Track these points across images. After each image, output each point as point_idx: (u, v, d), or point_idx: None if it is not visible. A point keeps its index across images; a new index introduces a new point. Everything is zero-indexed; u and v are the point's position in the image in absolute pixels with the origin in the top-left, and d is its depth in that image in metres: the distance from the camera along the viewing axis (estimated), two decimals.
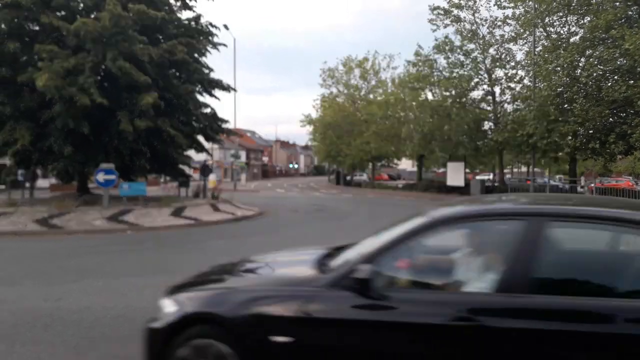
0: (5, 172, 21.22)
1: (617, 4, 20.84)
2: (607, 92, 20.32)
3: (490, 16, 30.92)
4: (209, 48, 19.97)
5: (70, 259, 9.24)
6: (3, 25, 15.92)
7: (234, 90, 22.15)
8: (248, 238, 12.34)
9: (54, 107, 15.03)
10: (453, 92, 30.48)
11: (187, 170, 22.70)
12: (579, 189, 26.30)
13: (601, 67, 21.28)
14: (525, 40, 28.79)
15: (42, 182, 30.45)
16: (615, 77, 20.94)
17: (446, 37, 30.56)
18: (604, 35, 20.93)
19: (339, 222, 16.34)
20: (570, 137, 22.67)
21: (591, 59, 22.23)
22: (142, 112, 15.62)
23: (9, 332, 4.82)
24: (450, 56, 30.81)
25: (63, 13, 16.87)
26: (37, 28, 16.81)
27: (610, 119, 22.18)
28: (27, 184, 22.28)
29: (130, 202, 16.12)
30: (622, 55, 19.65)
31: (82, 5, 16.98)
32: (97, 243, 11.41)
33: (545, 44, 25.62)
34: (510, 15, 28.59)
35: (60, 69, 14.52)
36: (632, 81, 19.89)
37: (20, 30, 16.39)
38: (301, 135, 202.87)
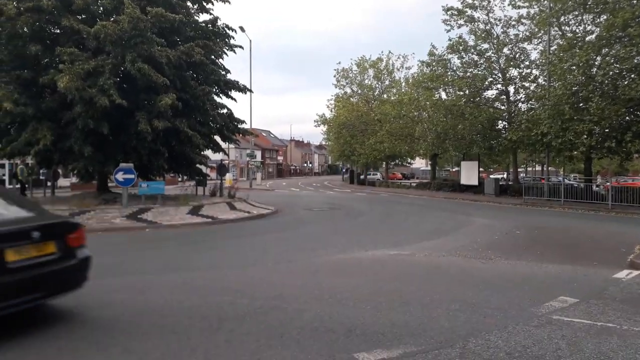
0: (26, 170, 21.46)
1: (635, 1, 20.45)
2: (624, 91, 19.97)
3: (505, 16, 30.82)
4: (225, 50, 20.00)
5: None
6: (25, 29, 16.11)
7: (250, 91, 22.17)
8: (263, 235, 12.34)
9: (74, 108, 15.18)
10: (467, 92, 30.22)
11: (204, 169, 22.79)
12: (594, 187, 25.86)
13: (617, 65, 20.91)
14: (539, 40, 28.45)
15: (63, 181, 30.86)
16: (632, 75, 20.57)
17: (460, 37, 30.35)
18: (620, 33, 20.58)
19: (353, 220, 16.29)
20: (585, 136, 22.28)
21: (607, 58, 21.86)
22: (160, 113, 15.70)
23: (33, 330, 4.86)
24: (464, 56, 30.57)
25: (83, 16, 17.02)
26: (58, 31, 16.99)
27: (627, 118, 21.79)
28: (49, 183, 22.63)
29: (149, 200, 16.25)
30: (639, 53, 19.30)
31: (101, 8, 17.11)
32: (116, 241, 11.50)
33: (561, 42, 25.25)
34: (524, 15, 28.32)
35: (80, 71, 14.65)
36: None
37: (41, 34, 16.59)
38: (315, 134, 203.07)
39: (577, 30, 25.10)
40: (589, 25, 24.73)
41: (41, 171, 22.08)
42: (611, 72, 20.96)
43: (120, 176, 15.16)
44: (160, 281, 6.98)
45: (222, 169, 22.50)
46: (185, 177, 24.14)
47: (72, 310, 5.44)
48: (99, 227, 13.38)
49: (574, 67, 22.12)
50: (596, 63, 22.46)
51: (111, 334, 4.67)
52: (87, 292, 6.37)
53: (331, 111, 52.79)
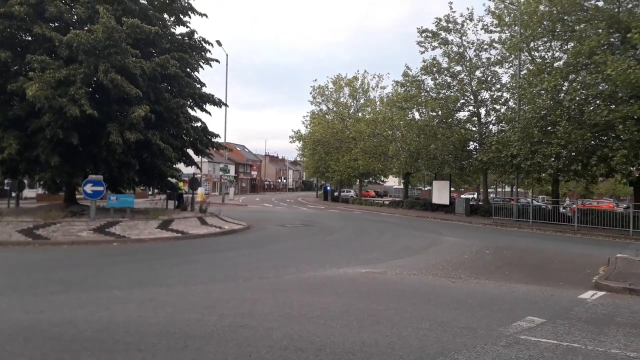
0: None
1: (600, 30, 21.30)
2: (590, 116, 20.64)
3: (477, 39, 31.70)
4: (201, 63, 19.97)
5: (54, 271, 9.05)
6: None
7: (225, 105, 22.11)
8: (234, 251, 12.20)
9: (43, 117, 14.85)
10: (440, 113, 30.81)
11: (176, 183, 22.51)
12: (561, 209, 26.54)
13: (584, 91, 21.66)
14: (510, 64, 29.33)
15: (28, 192, 30.01)
16: (598, 101, 21.30)
17: (434, 58, 31.02)
18: (587, 60, 21.36)
19: (326, 237, 16.25)
20: (553, 159, 22.93)
21: (574, 84, 22.64)
22: (132, 125, 15.50)
23: None
24: (437, 77, 31.21)
25: (56, 24, 16.77)
26: (29, 38, 16.67)
27: (592, 142, 22.51)
28: (14, 194, 21.96)
29: (118, 214, 15.92)
30: (604, 80, 20.03)
31: (75, 17, 16.90)
32: (82, 255, 11.20)
33: (530, 67, 26.05)
34: (496, 39, 29.24)
35: (51, 79, 14.38)
36: (613, 106, 20.28)
37: (12, 40, 16.24)
38: (290, 150, 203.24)
39: (546, 56, 25.95)
40: (557, 51, 25.61)
41: (6, 181, 21.43)
42: (578, 98, 21.67)
43: (88, 188, 14.84)
44: (126, 297, 6.81)
45: (194, 183, 22.26)
46: (156, 191, 23.78)
47: (32, 326, 5.25)
48: (65, 240, 13.03)
49: (543, 92, 22.82)
50: (564, 88, 23.23)
51: (73, 351, 4.51)
52: (50, 307, 6.17)
53: (307, 127, 53.05)
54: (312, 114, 52.02)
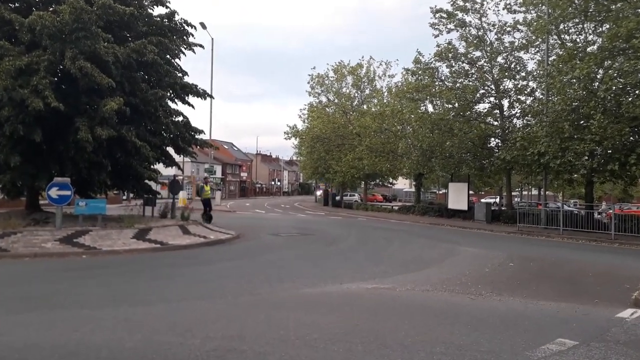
0: None
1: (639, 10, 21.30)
2: (628, 108, 20.65)
3: (499, 21, 31.55)
4: (183, 49, 19.97)
5: (15, 287, 9.04)
6: None
7: (210, 96, 22.12)
8: (222, 264, 12.21)
9: (1, 111, 14.84)
10: (456, 105, 30.85)
11: (154, 186, 22.51)
12: (596, 215, 26.53)
13: (621, 80, 21.66)
14: (537, 49, 29.37)
15: None
16: (637, 91, 21.31)
17: (449, 43, 31.06)
18: (624, 45, 21.34)
19: (326, 247, 16.26)
20: (586, 157, 22.95)
21: (610, 71, 22.64)
22: (104, 119, 15.49)
23: None
24: (453, 64, 31.26)
25: (16, 5, 16.79)
26: None
27: (631, 138, 22.52)
28: None
29: (87, 222, 15.91)
30: None
31: None
32: (47, 269, 11.20)
33: (560, 53, 26.10)
34: (520, 21, 29.21)
35: (10, 68, 14.37)
36: None
37: None
38: (285, 148, 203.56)
39: (578, 40, 25.99)
40: (590, 34, 25.65)
41: None
42: (614, 87, 21.68)
43: (54, 192, 14.83)
44: (98, 316, 6.81)
45: (175, 186, 22.26)
46: (131, 195, 23.77)
47: None
48: (27, 252, 13.02)
49: (574, 81, 22.84)
50: (598, 77, 23.27)
51: None
52: (10, 328, 6.17)
53: (304, 122, 53.15)
54: (310, 107, 52.10)
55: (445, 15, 30.51)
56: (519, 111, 30.53)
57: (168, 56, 19.31)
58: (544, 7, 26.02)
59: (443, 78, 32.04)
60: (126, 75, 17.01)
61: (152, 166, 20.36)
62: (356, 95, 50.72)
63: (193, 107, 21.08)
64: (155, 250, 14.49)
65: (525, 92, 29.98)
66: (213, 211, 23.77)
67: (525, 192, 64.88)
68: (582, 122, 22.92)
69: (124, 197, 44.19)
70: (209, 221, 22.47)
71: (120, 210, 22.05)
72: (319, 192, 54.87)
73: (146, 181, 20.55)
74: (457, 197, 33.00)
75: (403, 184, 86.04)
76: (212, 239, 17.22)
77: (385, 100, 45.66)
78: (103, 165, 16.93)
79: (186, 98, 20.42)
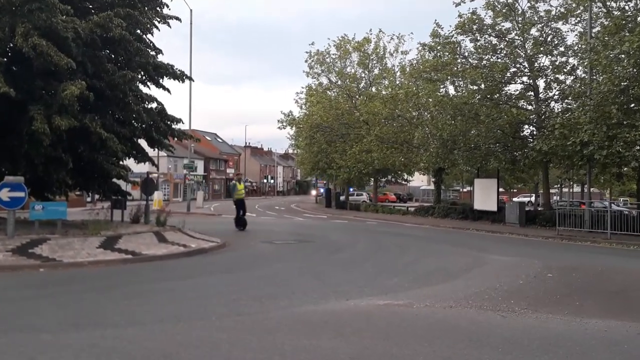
0: None
1: None
2: None
3: None
4: (156, 22, 19.95)
5: None
6: None
7: (190, 78, 22.09)
8: (205, 278, 12.20)
9: None
10: (482, 86, 30.80)
11: (124, 186, 22.49)
12: None
13: None
14: (578, 19, 29.30)
15: None
16: None
17: (473, 12, 30.98)
18: None
19: (329, 257, 16.26)
20: (638, 147, 22.89)
21: None
22: (63, 107, 15.47)
23: None
24: (478, 38, 31.21)
25: None
26: None
27: None
28: None
29: (45, 228, 15.88)
30: None
31: None
32: None
33: (605, 23, 26.03)
34: None
35: None
36: None
37: None
38: (280, 139, 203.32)
39: (627, 8, 25.91)
40: None
41: None
42: None
43: (4, 194, 14.79)
44: (59, 342, 6.79)
45: (148, 186, 22.25)
46: (96, 197, 23.74)
47: None
48: None
49: (623, 56, 22.79)
50: None
51: None
52: None
53: (301, 108, 53.22)
54: (308, 90, 52.11)
55: None
56: (557, 93, 30.46)
57: (138, 31, 19.29)
58: None
59: (466, 54, 31.99)
60: (89, 54, 16.98)
61: (121, 162, 20.35)
62: (363, 75, 50.69)
63: (169, 91, 21.07)
64: (125, 262, 14.46)
65: (565, 70, 29.93)
66: (193, 215, 23.79)
67: (565, 190, 64.84)
68: (632, 105, 22.88)
69: (89, 199, 44.21)
70: (243, 227, 22.91)
71: (84, 214, 22.01)
72: (314, 192, 54.98)
73: (114, 180, 20.52)
74: (485, 195, 32.97)
75: (420, 181, 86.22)
76: (194, 247, 17.19)
77: (397, 82, 45.68)
78: (63, 161, 16.90)
79: (161, 81, 20.38)
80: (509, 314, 8.88)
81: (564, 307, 9.50)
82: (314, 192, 61.62)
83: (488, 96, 30.54)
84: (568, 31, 41.63)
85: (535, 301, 10.00)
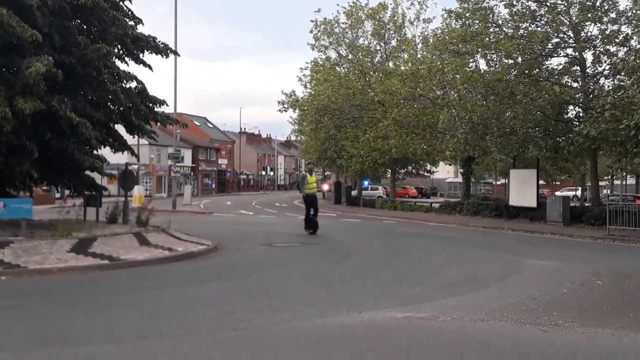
0: None
1: None
2: None
3: None
4: None
5: None
6: None
7: (175, 53, 22.10)
8: (194, 287, 12.21)
9: None
10: (519, 60, 30.64)
11: (99, 179, 22.54)
12: None
13: None
14: None
15: None
16: None
17: None
18: None
19: (339, 262, 16.29)
20: None
21: None
22: (27, 87, 15.50)
23: None
24: (514, 3, 31.01)
25: None
26: None
27: None
28: None
29: (7, 229, 15.94)
30: None
31: None
32: None
33: None
34: None
35: None
36: None
37: None
38: (280, 124, 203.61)
39: None
40: None
41: None
42: None
43: None
44: None
45: (128, 179, 22.28)
46: (67, 192, 23.79)
47: None
48: None
49: None
50: None
51: None
52: None
53: (305, 87, 53.16)
54: (314, 65, 51.96)
55: None
56: (607, 68, 30.29)
57: None
58: None
59: (500, 22, 31.82)
60: (57, 24, 17.00)
61: (95, 152, 20.36)
62: (378, 48, 50.48)
63: (151, 68, 21.08)
64: (102, 268, 14.48)
65: (617, 40, 29.72)
66: (180, 213, 23.80)
67: (617, 182, 64.57)
68: None
69: (58, 195, 44.39)
70: (314, 231, 22.48)
71: (52, 213, 22.09)
72: (326, 186, 54.89)
73: (88, 172, 20.57)
74: (522, 189, 32.87)
75: (446, 173, 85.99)
76: (180, 251, 17.20)
77: (419, 55, 45.46)
78: (27, 150, 16.94)
79: (141, 56, 20.39)
80: (551, 328, 8.86)
81: (616, 320, 9.47)
82: (325, 187, 61.48)
83: (526, 72, 30.38)
84: None
85: (581, 313, 9.97)
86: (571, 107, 31.69)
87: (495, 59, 32.83)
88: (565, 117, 31.48)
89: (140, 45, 20.09)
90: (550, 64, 31.62)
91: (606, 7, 30.05)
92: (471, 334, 8.47)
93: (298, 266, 15.46)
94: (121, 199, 21.93)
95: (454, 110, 35.76)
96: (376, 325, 8.92)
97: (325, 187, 67.71)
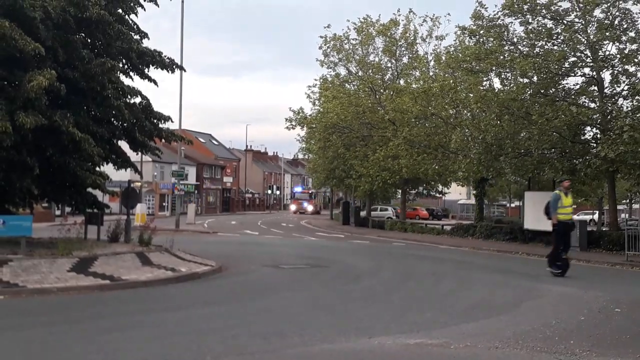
0: None
1: None
2: None
3: None
4: (141, 0, 20.07)
5: None
6: None
7: (180, 68, 22.22)
8: (198, 310, 12.18)
9: None
10: (535, 78, 30.65)
11: (101, 197, 22.58)
12: None
13: None
14: None
15: None
16: None
17: None
18: None
19: (349, 285, 16.28)
20: None
21: None
22: (29, 101, 15.57)
23: None
24: (530, 20, 31.09)
25: None
26: None
27: None
28: None
29: (6, 247, 15.96)
30: None
31: None
32: None
33: None
34: None
35: None
36: None
37: None
38: (288, 142, 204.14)
39: None
40: None
41: None
42: None
43: None
44: None
45: (130, 197, 22.32)
46: (67, 210, 23.83)
47: None
48: None
49: None
50: None
51: None
52: None
53: (314, 104, 53.23)
54: (323, 82, 52.10)
55: None
56: (626, 88, 30.27)
57: (120, 10, 19.42)
58: None
59: (515, 40, 31.88)
60: (60, 38, 17.10)
61: (97, 168, 20.41)
62: (389, 65, 50.62)
63: (156, 83, 21.16)
64: (102, 289, 14.50)
65: (635, 60, 29.74)
66: (183, 232, 23.75)
67: (636, 206, 64.43)
68: None
69: (58, 213, 44.51)
70: (563, 272, 18.76)
71: (52, 230, 22.12)
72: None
73: (89, 190, 20.61)
74: (538, 212, 32.62)
75: (458, 194, 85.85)
76: (184, 272, 17.20)
77: (431, 73, 45.52)
78: (28, 166, 16.99)
79: (146, 70, 20.49)
80: (568, 357, 8.80)
81: (636, 350, 9.40)
82: (310, 208, 61.68)
83: (542, 91, 30.38)
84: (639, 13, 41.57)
85: (600, 342, 9.91)
86: (588, 128, 31.64)
87: (510, 78, 32.87)
88: (582, 138, 31.42)
89: (146, 59, 20.19)
90: (566, 83, 31.64)
91: (625, 26, 30.05)
92: None
93: (305, 289, 15.44)
94: (123, 217, 21.98)
95: (467, 130, 35.80)
96: (386, 352, 8.89)
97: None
